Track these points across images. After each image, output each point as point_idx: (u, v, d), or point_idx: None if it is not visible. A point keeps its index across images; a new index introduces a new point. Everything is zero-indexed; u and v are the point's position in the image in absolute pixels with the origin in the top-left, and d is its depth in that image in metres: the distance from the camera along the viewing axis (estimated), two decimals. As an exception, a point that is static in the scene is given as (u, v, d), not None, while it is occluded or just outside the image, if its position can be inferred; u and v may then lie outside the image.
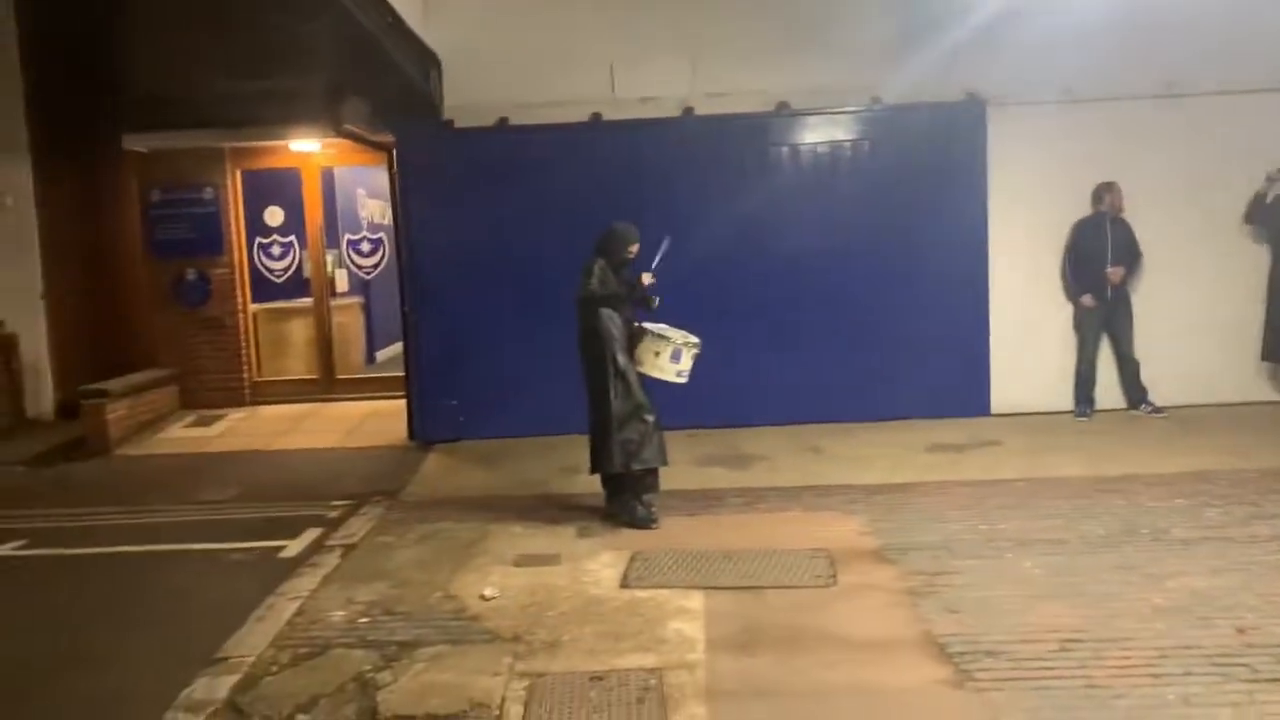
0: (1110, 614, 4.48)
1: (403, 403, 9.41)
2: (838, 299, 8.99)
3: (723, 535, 5.97)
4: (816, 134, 9.05)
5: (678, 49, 9.06)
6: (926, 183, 8.90)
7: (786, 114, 9.02)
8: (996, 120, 8.87)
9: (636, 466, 6.20)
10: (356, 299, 12.79)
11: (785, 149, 9.07)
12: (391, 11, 7.07)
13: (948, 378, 9.04)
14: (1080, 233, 8.78)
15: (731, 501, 6.74)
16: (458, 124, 9.01)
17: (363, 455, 8.95)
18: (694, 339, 6.32)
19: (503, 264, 8.96)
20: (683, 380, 6.29)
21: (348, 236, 12.19)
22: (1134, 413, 8.82)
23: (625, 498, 6.32)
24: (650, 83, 9.08)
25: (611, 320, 6.22)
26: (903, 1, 8.72)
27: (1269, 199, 8.72)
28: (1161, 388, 8.88)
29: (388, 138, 9.19)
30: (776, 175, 9.06)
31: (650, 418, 6.18)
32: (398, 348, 10.65)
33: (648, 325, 6.31)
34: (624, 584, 5.23)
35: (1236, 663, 3.97)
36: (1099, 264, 8.67)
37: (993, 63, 8.76)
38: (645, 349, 6.28)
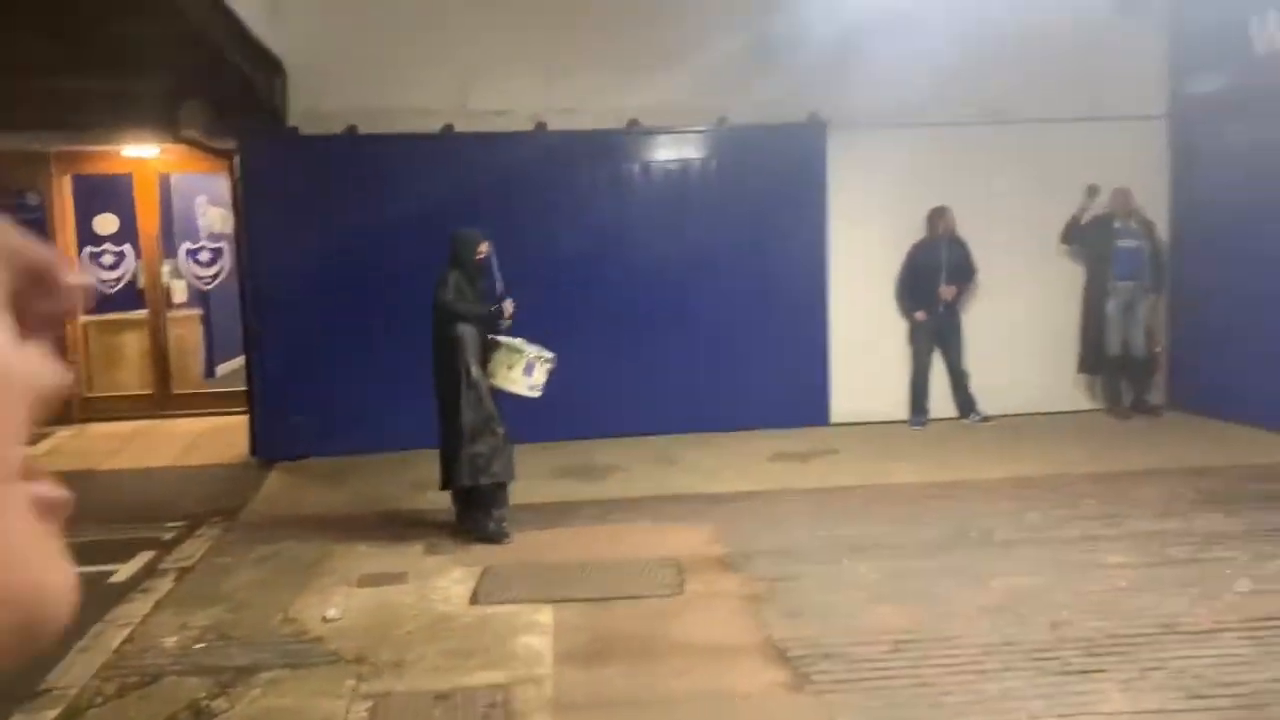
0: (939, 615, 4.72)
1: (244, 419, 9.09)
2: (689, 313, 9.18)
3: (575, 548, 6.01)
4: (666, 152, 9.23)
5: (531, 63, 9.08)
6: (771, 201, 9.19)
7: (637, 131, 9.16)
8: (837, 142, 9.22)
9: (485, 481, 6.15)
10: (195, 310, 12.25)
11: (636, 166, 9.21)
12: (234, 17, 6.86)
13: (791, 389, 9.33)
14: (916, 254, 9.19)
15: (585, 513, 6.77)
16: (304, 131, 8.78)
17: (201, 474, 8.61)
18: (548, 354, 6.32)
19: (351, 275, 8.77)
20: (535, 394, 6.29)
21: (186, 246, 11.69)
22: (964, 421, 9.30)
23: (476, 513, 6.27)
24: (503, 96, 9.06)
25: (466, 331, 6.18)
26: (749, 25, 8.98)
27: (1084, 219, 9.34)
28: (990, 397, 9.42)
29: (229, 144, 8.89)
30: (628, 191, 9.19)
31: (500, 431, 6.15)
32: (239, 361, 10.29)
33: (501, 338, 6.30)
34: (474, 600, 5.20)
35: (1050, 657, 4.24)
36: (933, 282, 9.10)
37: (834, 87, 9.12)
38: (498, 362, 6.26)
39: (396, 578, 5.58)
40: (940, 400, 9.44)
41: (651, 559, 5.70)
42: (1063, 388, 9.59)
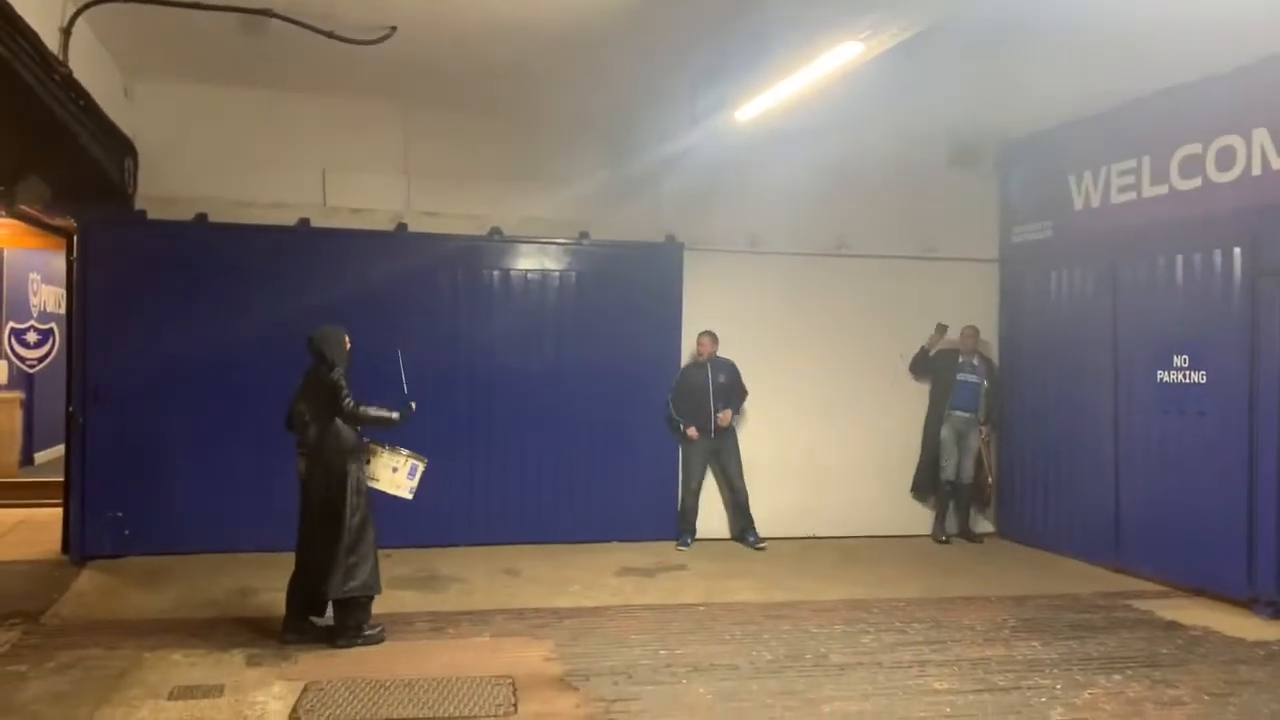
0: (771, 739, 4.72)
1: (59, 511, 8.49)
2: (544, 422, 9.16)
3: (406, 663, 5.77)
4: (528, 261, 9.32)
5: (393, 164, 9.10)
6: (628, 316, 9.36)
7: (499, 240, 9.24)
8: (693, 262, 9.52)
9: (359, 593, 6.03)
10: (16, 393, 11.53)
11: (497, 273, 9.25)
12: (85, 95, 6.64)
13: (643, 502, 9.37)
14: (686, 374, 9.30)
15: (419, 626, 6.55)
16: (151, 215, 8.50)
17: (4, 570, 7.94)
18: (421, 457, 6.35)
19: (189, 367, 8.41)
20: (410, 497, 6.31)
21: (12, 324, 11.06)
22: (739, 544, 9.35)
23: (347, 626, 6.06)
24: (363, 194, 9.03)
25: (352, 434, 6.06)
26: (612, 148, 9.28)
27: (932, 351, 9.84)
28: (828, 519, 9.69)
29: (69, 222, 8.51)
30: (488, 298, 9.21)
31: (374, 539, 6.08)
32: (61, 449, 9.66)
33: (376, 442, 6.21)
34: (293, 717, 4.91)
35: (877, 783, 4.28)
36: (702, 402, 9.13)
37: (691, 211, 9.50)
38: (383, 464, 6.19)
39: (211, 690, 5.24)
40: (779, 520, 9.58)
41: (486, 676, 5.53)
42: (897, 512, 9.94)
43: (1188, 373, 7.79)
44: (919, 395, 9.96)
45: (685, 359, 9.46)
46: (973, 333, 9.79)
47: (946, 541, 9.71)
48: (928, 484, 9.89)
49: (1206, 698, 5.39)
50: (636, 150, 9.15)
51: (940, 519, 9.85)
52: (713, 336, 9.25)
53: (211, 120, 8.73)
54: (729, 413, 9.21)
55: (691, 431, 9.23)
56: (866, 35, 5.99)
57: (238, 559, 8.15)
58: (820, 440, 9.81)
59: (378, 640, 6.11)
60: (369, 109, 8.99)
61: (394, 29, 6.96)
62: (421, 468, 6.31)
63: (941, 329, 9.81)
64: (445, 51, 7.59)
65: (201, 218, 8.60)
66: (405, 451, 6.31)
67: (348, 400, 5.96)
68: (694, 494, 9.32)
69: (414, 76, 8.25)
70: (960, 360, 9.75)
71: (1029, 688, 5.51)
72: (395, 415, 6.15)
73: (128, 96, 8.34)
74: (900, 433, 9.93)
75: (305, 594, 6.11)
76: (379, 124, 9.06)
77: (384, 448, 6.23)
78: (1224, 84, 7.59)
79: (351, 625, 6.07)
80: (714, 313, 9.44)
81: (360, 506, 6.02)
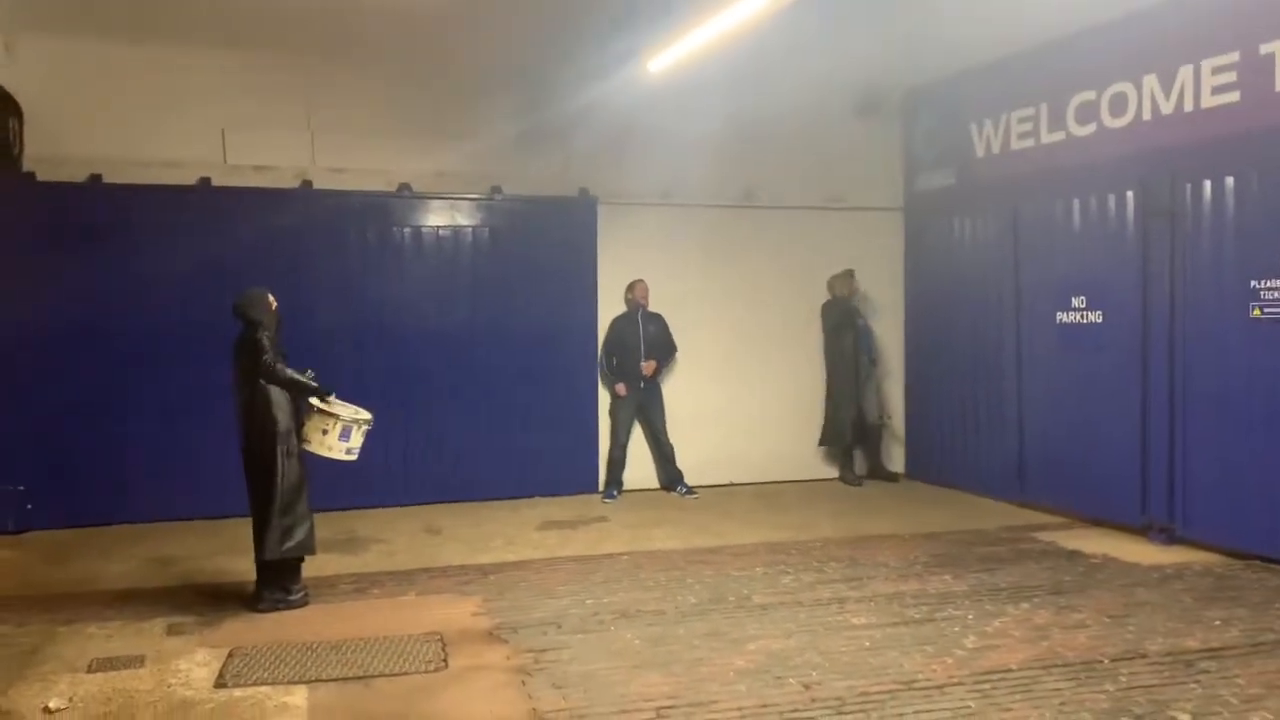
0: (699, 679, 4.84)
1: (-45, 488, 8.16)
2: (462, 380, 9.10)
3: (331, 624, 5.74)
4: (439, 218, 9.19)
5: (296, 120, 8.86)
6: (543, 271, 9.31)
7: (408, 196, 9.08)
8: (606, 216, 9.51)
9: (295, 554, 5.98)
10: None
11: (408, 230, 9.10)
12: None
13: (562, 457, 9.41)
14: (617, 327, 9.41)
15: (343, 588, 6.50)
16: (41, 177, 8.13)
17: (-103, 551, 7.62)
18: (365, 414, 6.15)
19: (88, 334, 8.13)
20: (353, 459, 6.14)
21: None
22: (672, 494, 9.50)
23: (271, 587, 6.01)
24: (266, 151, 8.79)
25: (283, 394, 5.95)
26: (523, 102, 9.16)
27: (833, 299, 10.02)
28: (744, 467, 9.87)
29: (-50, 186, 8.10)
30: (399, 255, 9.06)
31: (307, 499, 6.01)
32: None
33: (315, 401, 6.05)
34: (219, 683, 4.85)
35: (804, 717, 4.43)
36: (634, 356, 9.30)
37: (603, 164, 9.47)
38: (313, 427, 6.03)
39: (132, 661, 5.13)
40: (715, 467, 9.74)
41: (414, 634, 5.53)
42: (808, 457, 10.16)
43: (1085, 313, 8.11)
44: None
45: (602, 314, 9.48)
46: (849, 275, 9.99)
47: (860, 484, 9.98)
48: (834, 430, 10.10)
49: (1107, 619, 5.69)
50: (548, 103, 9.06)
51: (847, 462, 10.11)
52: (644, 283, 9.34)
53: (101, 76, 8.36)
54: (653, 363, 9.29)
55: (620, 388, 9.29)
56: (775, -16, 6.02)
57: (151, 528, 7.96)
58: (738, 389, 9.96)
59: (301, 604, 6.06)
60: (269, 62, 8.71)
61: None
62: (359, 429, 6.10)
63: (849, 273, 9.99)
64: (347, 4, 7.38)
65: (95, 178, 8.26)
66: (341, 412, 6.04)
67: (266, 358, 5.87)
68: (622, 447, 9.41)
69: (316, 29, 8.02)
70: (853, 306, 9.97)
71: (943, 619, 5.74)
72: (313, 386, 6.03)
73: (7, 52, 7.93)
74: (815, 379, 10.13)
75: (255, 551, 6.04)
76: (280, 78, 8.78)
77: (316, 410, 6.03)
78: (1117, 31, 7.84)
79: (279, 588, 6.02)
80: (629, 266, 9.47)
81: (293, 467, 5.95)
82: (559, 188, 9.42)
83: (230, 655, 5.21)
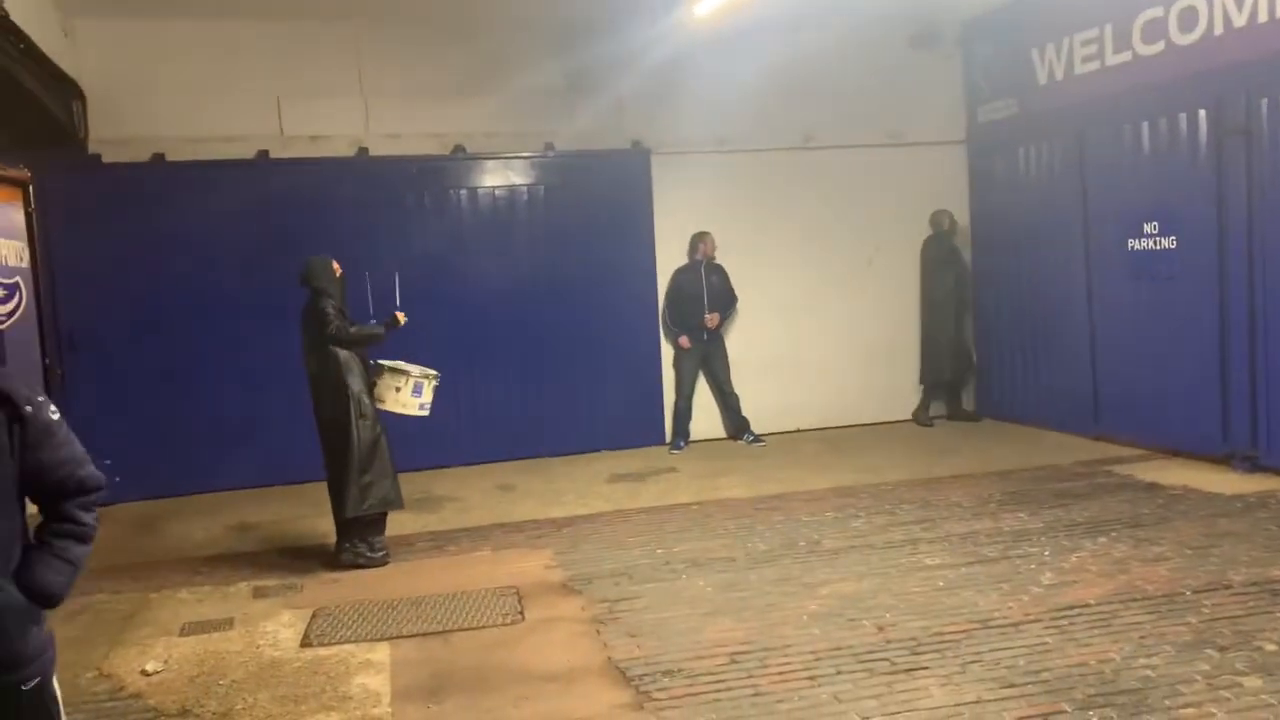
0: (772, 624, 4.86)
1: (47, 465, 8.47)
2: (524, 339, 9.16)
3: (410, 582, 5.88)
4: (493, 178, 9.21)
5: (349, 88, 8.91)
6: (600, 226, 9.30)
7: (462, 158, 9.11)
8: (660, 167, 9.44)
9: (378, 509, 6.15)
10: (-12, 351, 11.37)
11: (464, 192, 9.15)
12: (24, 37, 6.43)
13: (628, 410, 9.46)
14: (679, 280, 9.33)
15: (420, 546, 6.65)
16: (106, 159, 8.32)
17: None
18: (432, 371, 6.34)
19: (162, 309, 8.36)
20: (425, 414, 6.33)
21: (-26, 281, 10.84)
22: (740, 443, 9.47)
23: (357, 542, 6.20)
24: (321, 121, 8.86)
25: (348, 358, 6.10)
26: (571, 53, 9.07)
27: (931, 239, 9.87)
28: (811, 412, 9.82)
29: (23, 172, 8.31)
30: (456, 217, 9.12)
31: (389, 456, 6.15)
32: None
33: (384, 361, 6.25)
34: (305, 643, 5.01)
35: (878, 658, 4.43)
36: (696, 308, 9.21)
37: (655, 115, 9.37)
38: (385, 385, 6.21)
39: (221, 624, 5.32)
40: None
41: (490, 588, 5.64)
42: (876, 400, 10.06)
43: (1158, 239, 7.85)
44: (892, 284, 10.00)
45: (660, 266, 9.44)
46: (947, 214, 9.87)
47: (931, 424, 9.87)
48: (933, 370, 10.00)
49: (1189, 551, 5.57)
50: (595, 54, 8.95)
51: (929, 403, 10.01)
52: (710, 236, 9.27)
53: (156, 56, 8.48)
54: (716, 315, 9.25)
55: (683, 341, 9.28)
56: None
57: (232, 496, 8.22)
58: (800, 335, 9.87)
59: (382, 562, 6.21)
60: (319, 31, 8.77)
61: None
62: (429, 384, 6.29)
63: (943, 214, 9.87)
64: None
65: (159, 158, 8.43)
66: (412, 370, 6.26)
67: (331, 325, 6.00)
68: (687, 399, 9.40)
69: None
70: (954, 243, 9.83)
71: (1018, 556, 5.68)
72: (380, 330, 6.19)
73: (68, 36, 8.08)
74: (875, 322, 10.00)
75: (335, 512, 6.24)
76: (331, 46, 8.84)
77: (386, 369, 6.21)
78: (1184, -57, 7.49)
79: (363, 542, 6.19)
80: (686, 216, 9.40)
81: (368, 427, 6.07)
82: (612, 141, 9.36)
83: (314, 616, 5.37)
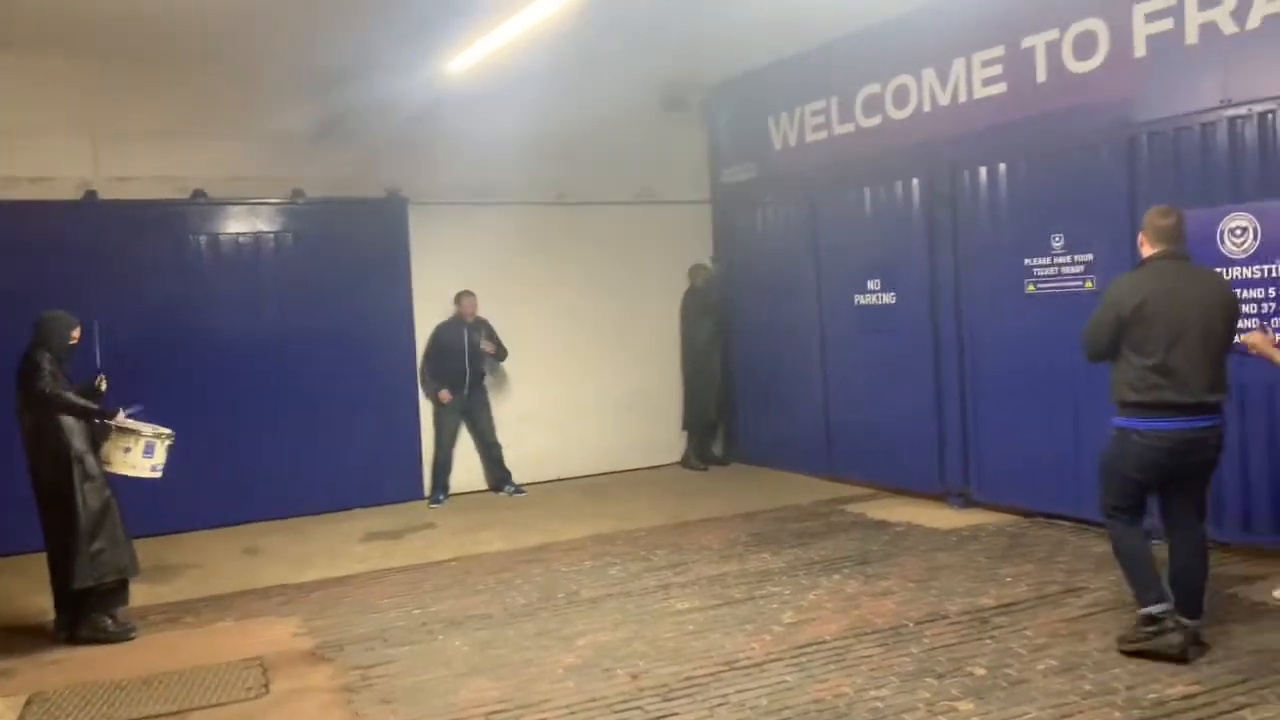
0: (529, 680, 4.88)
1: None
2: (270, 392, 8.80)
3: (141, 659, 5.47)
4: (238, 224, 8.84)
5: (74, 127, 8.32)
6: (354, 275, 9.10)
7: (203, 202, 8.69)
8: (419, 217, 9.37)
9: (112, 578, 5.70)
10: None
11: (204, 238, 8.73)
12: None
13: (384, 464, 9.24)
14: (441, 334, 9.27)
15: (153, 619, 6.19)
16: None
17: None
18: (165, 430, 5.99)
19: None
20: (158, 475, 5.99)
21: None
22: (500, 494, 9.50)
23: (94, 615, 5.72)
24: (43, 161, 8.21)
25: (69, 417, 5.64)
26: (324, 100, 8.87)
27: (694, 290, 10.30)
28: (573, 461, 9.96)
29: None
30: (197, 265, 8.69)
31: (120, 521, 5.74)
32: None
33: (113, 420, 5.84)
34: (17, 735, 4.56)
35: (632, 707, 4.53)
36: (458, 363, 9.19)
37: (413, 164, 9.34)
38: (114, 446, 5.83)
39: (-86, 724, 4.76)
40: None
41: (232, 661, 5.34)
42: (633, 448, 10.35)
43: (880, 295, 8.58)
44: (653, 334, 10.36)
45: (419, 317, 9.34)
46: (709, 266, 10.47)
47: (705, 468, 10.29)
48: (695, 417, 10.40)
49: (911, 585, 6.07)
50: (350, 101, 8.79)
51: (697, 448, 10.41)
52: (473, 296, 9.22)
53: None
54: (491, 343, 9.25)
55: (444, 395, 9.17)
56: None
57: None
58: (562, 385, 10.03)
59: (126, 637, 5.78)
60: (43, 65, 8.15)
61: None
62: (162, 444, 5.98)
63: (714, 261, 10.41)
64: (130, 4, 6.98)
65: None
66: (142, 429, 5.92)
67: (43, 379, 5.57)
68: (447, 452, 9.29)
69: (94, 28, 7.53)
70: (711, 295, 10.34)
71: (762, 596, 5.98)
72: (93, 409, 5.79)
73: None
74: (637, 371, 10.32)
75: (55, 584, 5.75)
76: (57, 82, 8.24)
77: (113, 428, 5.84)
78: (897, 27, 8.31)
79: (104, 614, 5.78)
80: (445, 267, 9.36)
81: (95, 491, 5.67)
82: (367, 189, 9.22)
83: (29, 702, 4.90)
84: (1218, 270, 5.17)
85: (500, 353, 9.44)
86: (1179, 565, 4.78)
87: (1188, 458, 4.65)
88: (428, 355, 9.30)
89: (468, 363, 9.20)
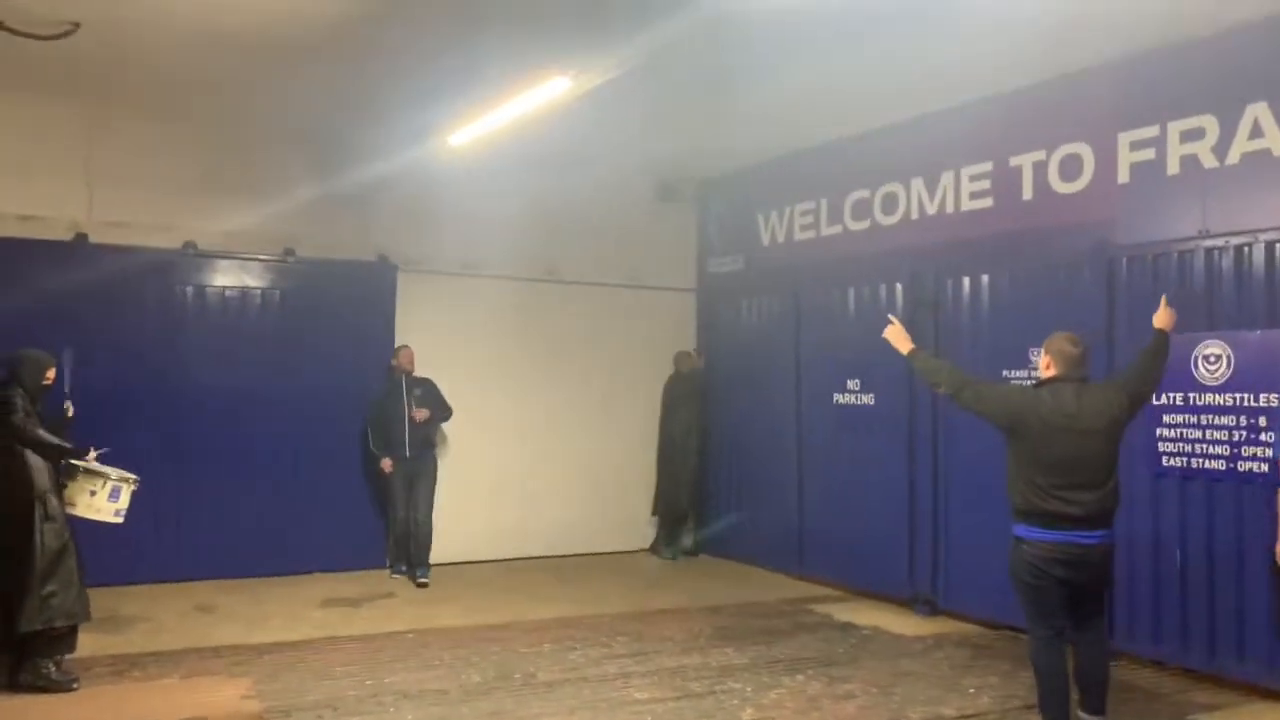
0: (480, 761, 4.77)
1: None
2: (241, 448, 8.71)
3: (79, 713, 5.31)
4: (227, 278, 8.86)
5: (69, 168, 8.37)
6: (337, 337, 9.10)
7: (193, 253, 8.72)
8: (408, 284, 9.41)
9: (62, 623, 5.57)
10: None
11: (191, 289, 8.73)
12: None
13: (349, 530, 9.12)
14: (377, 402, 8.88)
15: (98, 671, 6.02)
16: None
17: None
18: (131, 475, 5.95)
19: None
20: (120, 520, 5.94)
21: None
22: (393, 575, 8.93)
23: (39, 660, 5.58)
24: (35, 200, 8.24)
25: (35, 457, 5.57)
26: (321, 162, 9.01)
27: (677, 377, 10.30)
28: (540, 539, 9.87)
29: None
30: (181, 317, 8.68)
31: (75, 565, 5.63)
32: None
33: (79, 461, 5.78)
34: (-57, 785, 4.40)
35: (582, 795, 4.44)
36: (398, 429, 8.78)
37: (406, 232, 9.44)
38: (79, 488, 5.77)
39: None
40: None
41: (175, 720, 5.20)
42: (603, 531, 10.27)
43: (859, 395, 8.63)
44: (631, 417, 10.36)
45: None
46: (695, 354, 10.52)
47: (675, 558, 10.16)
48: (668, 505, 10.31)
49: (874, 690, 5.99)
50: (347, 166, 8.94)
51: (666, 537, 10.30)
52: (409, 349, 8.97)
53: None
54: (425, 411, 8.81)
55: (386, 464, 8.82)
56: (575, 73, 6.25)
57: None
58: (536, 462, 9.98)
59: (68, 687, 5.62)
60: (44, 109, 8.23)
61: (77, 25, 6.45)
62: (127, 489, 5.95)
63: (691, 352, 10.43)
64: (133, 54, 7.11)
65: None
66: (110, 471, 5.89)
67: (16, 414, 5.53)
68: (402, 520, 9.00)
69: (99, 77, 7.65)
70: (695, 383, 10.36)
71: (722, 692, 5.89)
72: (67, 449, 5.76)
73: None
74: (612, 453, 10.29)
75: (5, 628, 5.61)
76: (57, 125, 8.31)
77: (80, 470, 5.79)
78: (889, 137, 8.53)
79: (49, 660, 5.62)
80: (429, 335, 9.35)
81: (54, 532, 5.58)
82: (357, 253, 9.27)
83: (-41, 752, 4.74)
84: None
85: (442, 413, 9.02)
86: (1081, 661, 4.92)
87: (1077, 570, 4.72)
88: (370, 424, 8.94)
89: (407, 424, 8.84)
